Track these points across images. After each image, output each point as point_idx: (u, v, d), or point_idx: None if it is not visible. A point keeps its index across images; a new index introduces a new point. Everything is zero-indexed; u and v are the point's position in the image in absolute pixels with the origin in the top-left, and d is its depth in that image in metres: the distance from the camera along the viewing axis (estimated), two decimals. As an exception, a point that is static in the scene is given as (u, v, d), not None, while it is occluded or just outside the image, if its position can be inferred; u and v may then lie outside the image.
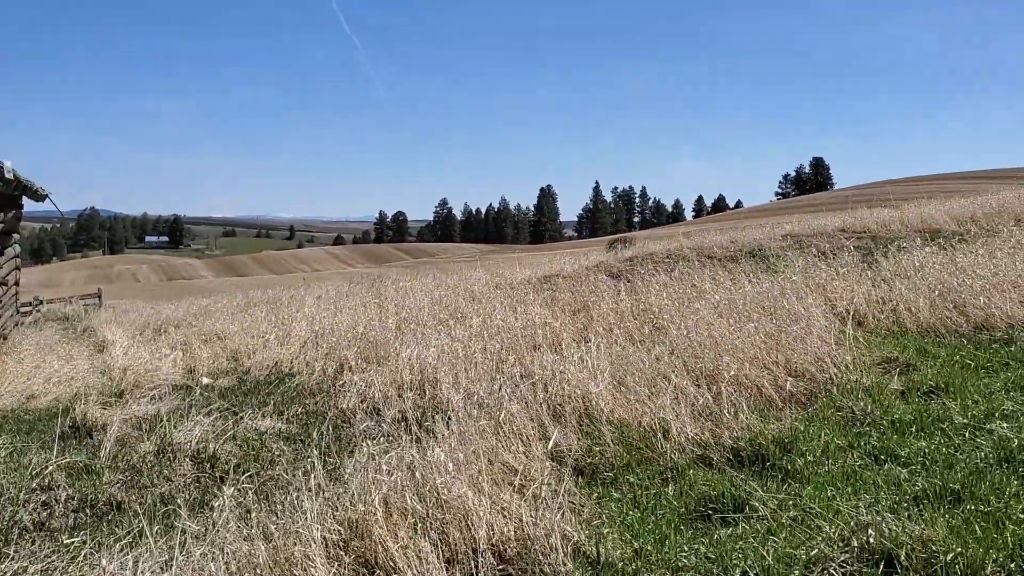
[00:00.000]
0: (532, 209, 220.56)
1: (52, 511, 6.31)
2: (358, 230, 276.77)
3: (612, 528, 5.17)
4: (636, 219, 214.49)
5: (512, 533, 4.76)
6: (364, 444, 5.82)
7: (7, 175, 12.02)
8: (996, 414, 6.42)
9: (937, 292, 10.41)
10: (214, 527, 4.80)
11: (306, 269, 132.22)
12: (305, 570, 4.21)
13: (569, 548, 4.73)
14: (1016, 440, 5.63)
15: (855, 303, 10.64)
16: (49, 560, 4.88)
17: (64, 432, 8.86)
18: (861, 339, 9.52)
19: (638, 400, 7.57)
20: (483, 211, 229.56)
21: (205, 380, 12.32)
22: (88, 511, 6.39)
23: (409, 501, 4.89)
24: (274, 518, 4.94)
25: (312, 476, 5.30)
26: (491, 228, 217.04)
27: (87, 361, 14.66)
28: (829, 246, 17.58)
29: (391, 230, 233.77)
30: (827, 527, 4.56)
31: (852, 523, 4.48)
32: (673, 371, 8.06)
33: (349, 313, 15.67)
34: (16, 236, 18.25)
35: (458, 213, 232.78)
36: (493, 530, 4.75)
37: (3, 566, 4.81)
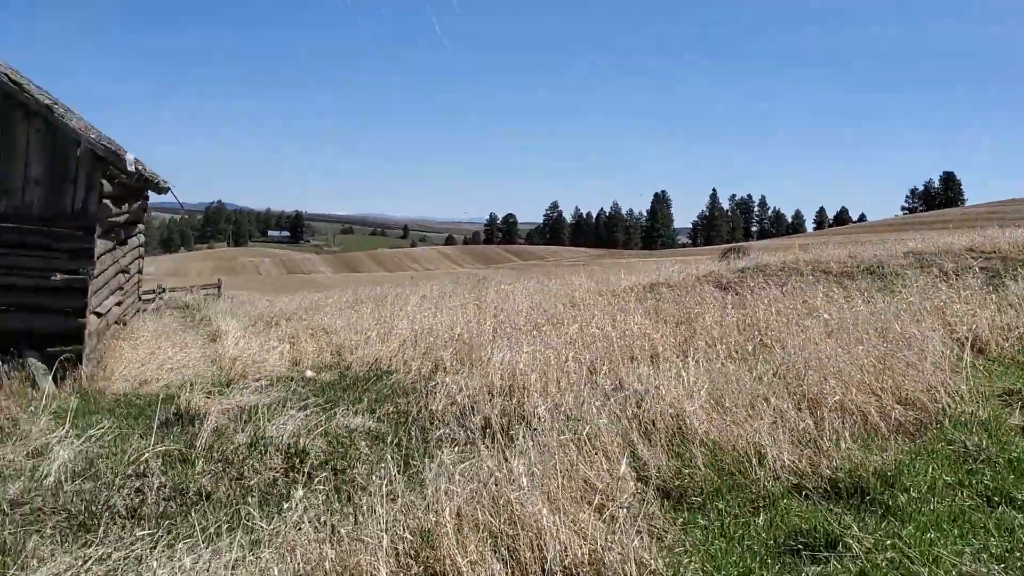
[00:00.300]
0: (645, 215, 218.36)
1: (144, 498, 6.49)
2: (469, 231, 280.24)
3: (694, 557, 4.94)
4: (754, 228, 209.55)
5: (586, 556, 4.59)
6: (445, 450, 5.75)
7: (130, 168, 12.57)
8: None
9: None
10: (287, 527, 4.80)
11: (417, 267, 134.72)
12: (370, 579, 4.15)
13: (644, 576, 4.53)
14: None
15: (976, 328, 9.97)
16: (132, 548, 4.99)
17: (168, 419, 9.17)
18: (981, 368, 8.91)
19: (734, 422, 7.26)
20: (594, 215, 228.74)
21: (309, 373, 12.58)
22: (178, 500, 6.56)
23: (481, 515, 4.77)
24: (347, 521, 4.91)
25: (387, 481, 5.26)
26: (602, 232, 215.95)
27: (200, 350, 15.20)
28: (953, 266, 16.62)
29: (501, 232, 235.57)
30: (924, 573, 4.21)
31: (954, 572, 4.11)
32: (774, 393, 7.71)
33: (449, 313, 15.76)
34: (141, 226, 19.13)
35: (568, 216, 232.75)
36: (566, 551, 4.59)
37: (89, 551, 4.94)
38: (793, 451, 6.42)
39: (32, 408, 9.05)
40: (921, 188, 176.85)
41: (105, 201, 12.53)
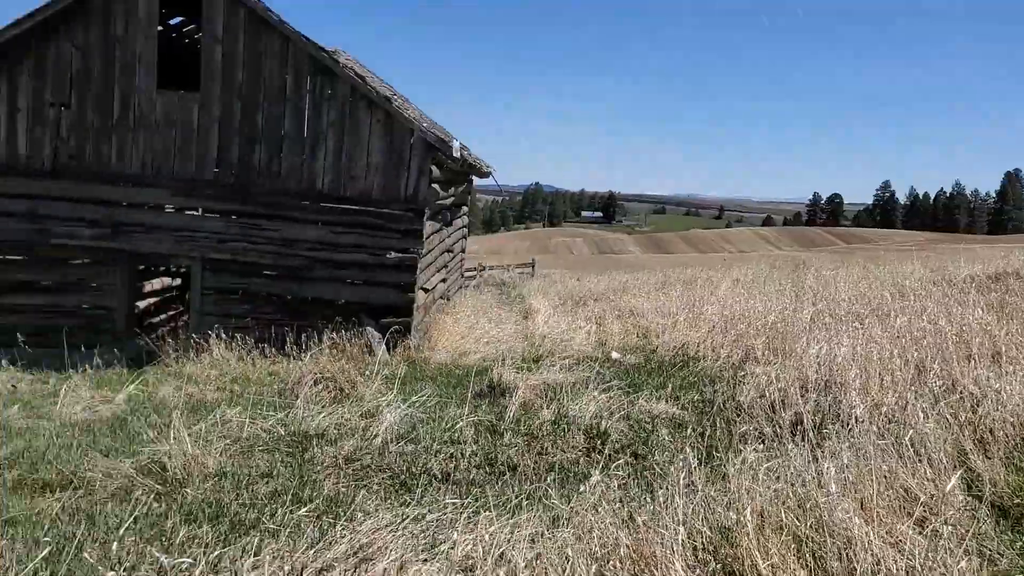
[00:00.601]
0: (993, 195, 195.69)
1: (457, 464, 6.92)
2: (789, 212, 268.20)
3: (1035, 590, 4.30)
4: None
5: (902, 572, 4.15)
6: (750, 446, 5.50)
7: (456, 154, 13.45)
8: None
9: None
10: (585, 508, 4.85)
11: (731, 250, 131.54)
12: (664, 572, 4.06)
13: (972, 606, 4.01)
14: None
15: None
16: (444, 511, 5.31)
17: (481, 391, 9.71)
18: None
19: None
20: (931, 196, 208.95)
21: (615, 355, 12.71)
22: (487, 468, 6.91)
23: (785, 516, 4.49)
24: (644, 509, 4.86)
25: (687, 472, 5.13)
26: (940, 215, 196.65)
27: (513, 326, 15.98)
28: None
29: (824, 213, 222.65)
30: None
31: None
32: None
33: (762, 299, 15.15)
34: (465, 209, 20.47)
35: (902, 197, 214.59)
36: (879, 565, 4.19)
37: (407, 510, 5.34)
38: None
39: (368, 373, 9.99)
40: None
41: (434, 185, 13.53)
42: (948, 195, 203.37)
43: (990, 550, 4.77)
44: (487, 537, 4.49)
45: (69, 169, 13.57)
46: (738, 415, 8.06)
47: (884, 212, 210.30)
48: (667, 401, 8.97)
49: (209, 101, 13.43)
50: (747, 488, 4.65)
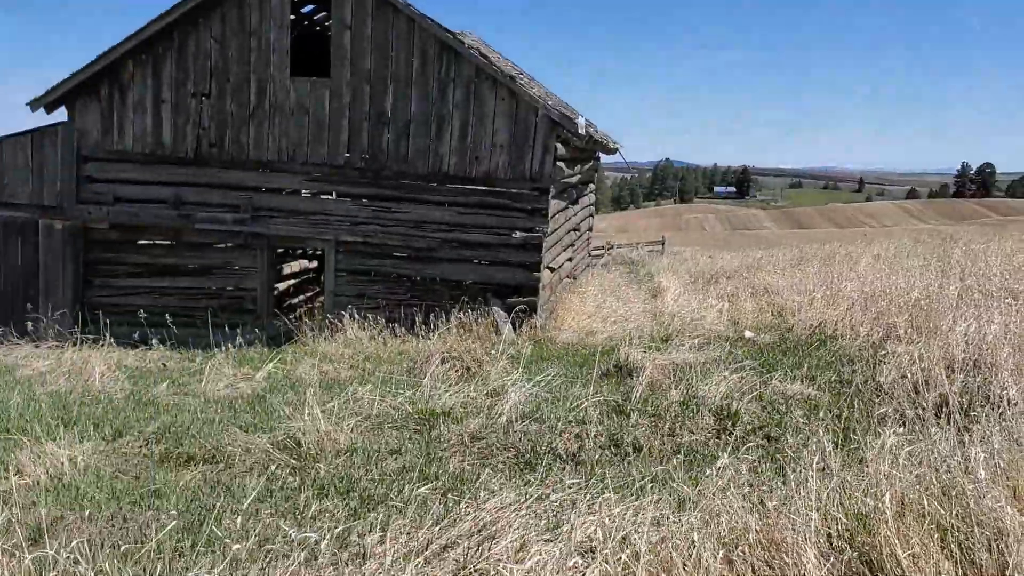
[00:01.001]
0: None
1: (583, 444, 6.86)
2: (936, 183, 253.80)
3: None
4: None
5: (1061, 569, 3.82)
6: (890, 428, 5.19)
7: (581, 131, 13.32)
8: None
9: None
10: (712, 491, 4.70)
11: (873, 224, 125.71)
12: (795, 559, 3.88)
13: None
14: None
15: None
16: (568, 491, 5.27)
17: (608, 370, 9.61)
18: None
19: None
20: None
21: (748, 334, 12.35)
22: (612, 449, 6.82)
23: (928, 504, 4.21)
24: (775, 493, 4.67)
25: (821, 456, 4.89)
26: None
27: (641, 304, 15.77)
28: None
29: (974, 184, 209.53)
30: None
31: None
32: None
33: (905, 275, 14.36)
34: (591, 186, 20.30)
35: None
36: (1036, 561, 3.86)
37: (531, 489, 5.33)
38: None
39: (493, 352, 10.06)
40: None
41: (559, 163, 13.45)
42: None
43: None
44: (607, 521, 4.41)
45: (211, 156, 14.24)
46: (878, 396, 7.67)
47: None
48: (802, 381, 8.62)
49: (339, 86, 13.78)
50: (886, 473, 4.39)
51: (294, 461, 6.57)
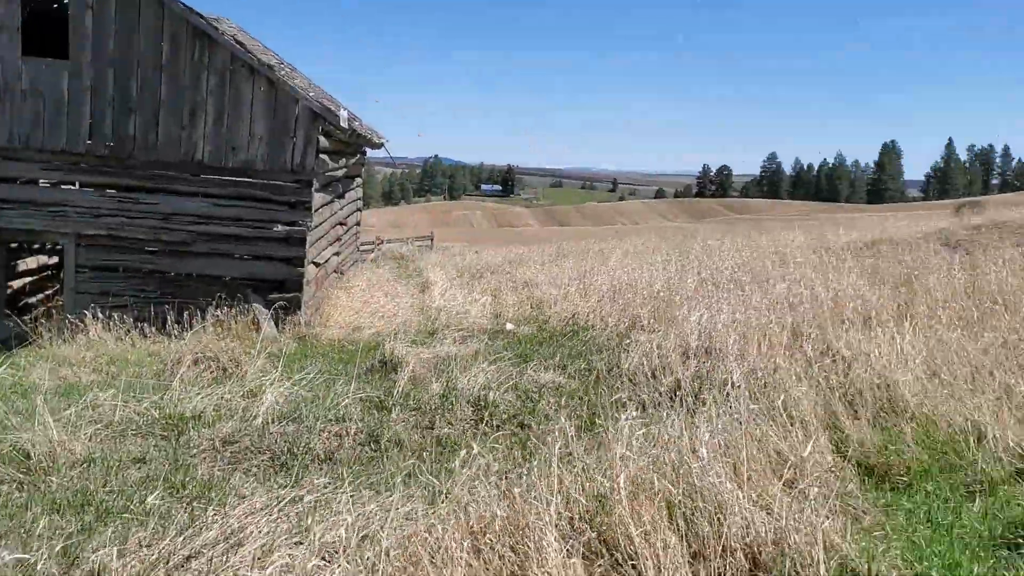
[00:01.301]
0: (872, 166, 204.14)
1: (342, 442, 6.80)
2: (680, 184, 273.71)
3: (893, 544, 4.50)
4: (994, 182, 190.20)
5: (771, 535, 4.28)
6: (626, 412, 5.55)
7: (344, 124, 13.14)
8: None
9: None
10: (462, 481, 4.82)
11: (625, 221, 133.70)
12: (536, 543, 4.07)
13: (833, 563, 4.15)
14: None
15: None
16: (323, 491, 5.20)
17: (372, 366, 9.58)
18: None
19: (952, 395, 6.59)
20: (815, 167, 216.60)
21: (509, 327, 12.74)
22: (372, 446, 6.81)
23: (659, 483, 4.56)
24: (523, 480, 4.86)
25: (564, 442, 5.15)
26: (823, 186, 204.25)
27: (409, 299, 15.81)
28: None
29: (714, 184, 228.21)
30: None
31: None
32: (1000, 365, 6.92)
33: (650, 269, 15.43)
34: (359, 180, 20.08)
35: (788, 168, 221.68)
36: (749, 528, 4.30)
37: (284, 492, 5.21)
38: (1020, 431, 5.71)
39: (252, 351, 9.72)
40: None
41: (322, 156, 13.18)
42: (831, 166, 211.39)
43: (855, 508, 4.97)
44: (352, 520, 4.40)
45: (-72, 141, 12.68)
46: (620, 382, 8.18)
47: (771, 183, 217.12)
48: (555, 370, 9.04)
49: (78, 69, 12.71)
50: (622, 455, 4.70)
51: (22, 475, 6.01)
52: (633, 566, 4.10)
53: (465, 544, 3.99)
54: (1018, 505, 4.80)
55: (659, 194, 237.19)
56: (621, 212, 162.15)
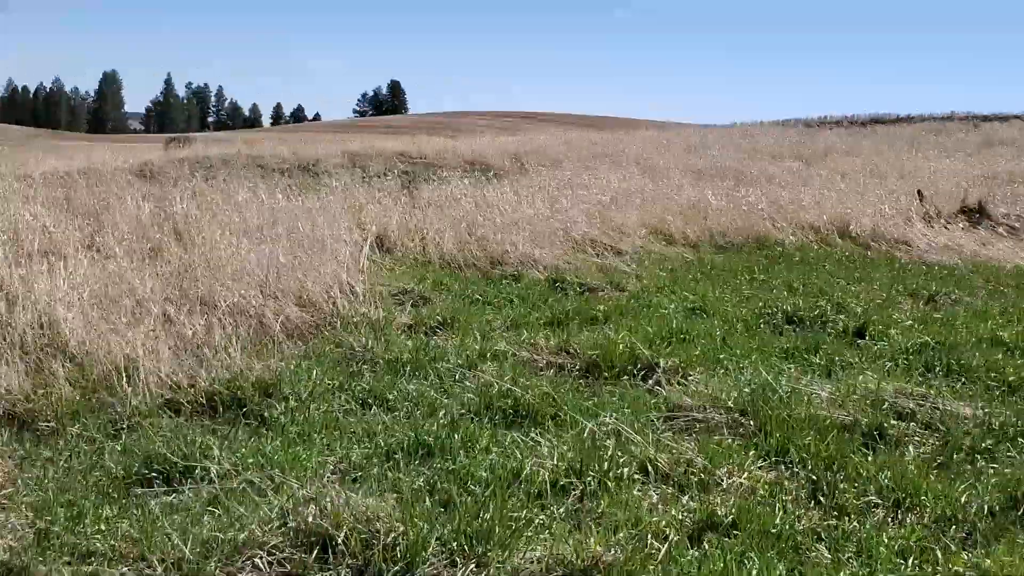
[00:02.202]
0: (92, 95, 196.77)
1: None
2: None
3: (24, 501, 4.05)
4: (211, 119, 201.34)
5: None
6: None
7: None
8: (488, 354, 6.31)
9: (464, 225, 10.46)
10: None
11: None
12: None
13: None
14: (496, 386, 5.44)
15: (388, 229, 10.32)
16: None
17: None
18: (388, 268, 9.23)
19: (115, 331, 6.37)
20: (31, 91, 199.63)
21: None
22: None
23: None
24: None
25: None
26: (40, 111, 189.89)
27: None
28: (383, 168, 17.43)
29: None
30: (274, 500, 3.91)
31: (296, 496, 3.85)
32: (166, 297, 6.98)
33: None
34: None
35: (0, 90, 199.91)
36: None
37: None
38: (174, 362, 5.78)
39: None
40: (371, 93, 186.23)
41: None
42: (48, 91, 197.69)
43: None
44: None
45: None
46: None
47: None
48: None
49: None
50: None
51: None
52: None
53: None
54: (160, 438, 4.75)
55: None
56: None
